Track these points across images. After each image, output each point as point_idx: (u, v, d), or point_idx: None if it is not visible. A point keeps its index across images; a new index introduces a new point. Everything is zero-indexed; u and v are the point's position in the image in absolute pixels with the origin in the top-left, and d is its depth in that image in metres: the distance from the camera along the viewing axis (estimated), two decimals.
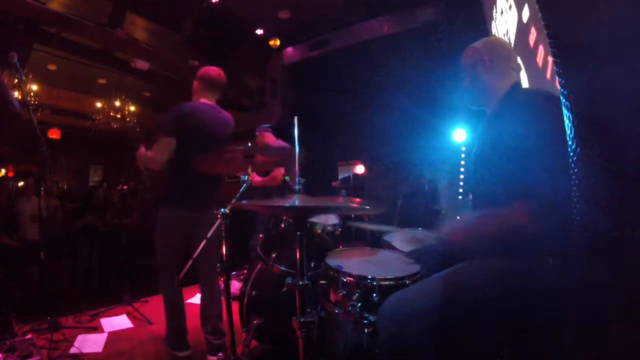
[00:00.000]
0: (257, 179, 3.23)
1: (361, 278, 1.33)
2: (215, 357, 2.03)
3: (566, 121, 0.55)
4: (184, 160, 1.92)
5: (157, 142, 2.02)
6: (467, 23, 3.58)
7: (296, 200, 1.14)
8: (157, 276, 2.14)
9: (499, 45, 1.34)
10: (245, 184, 1.64)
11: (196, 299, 3.18)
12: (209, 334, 2.11)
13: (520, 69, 1.40)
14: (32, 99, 5.48)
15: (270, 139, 3.46)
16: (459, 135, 3.90)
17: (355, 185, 4.44)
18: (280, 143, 3.36)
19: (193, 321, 2.73)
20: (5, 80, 1.67)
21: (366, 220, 2.73)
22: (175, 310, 2.16)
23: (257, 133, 3.52)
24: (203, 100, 2.18)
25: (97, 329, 2.59)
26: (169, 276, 2.07)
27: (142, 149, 2.07)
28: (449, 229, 1.22)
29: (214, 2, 4.49)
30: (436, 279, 1.16)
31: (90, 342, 2.35)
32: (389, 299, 1.19)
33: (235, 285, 3.02)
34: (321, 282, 1.50)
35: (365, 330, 1.31)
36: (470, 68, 1.31)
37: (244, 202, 1.40)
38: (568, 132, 0.55)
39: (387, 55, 4.74)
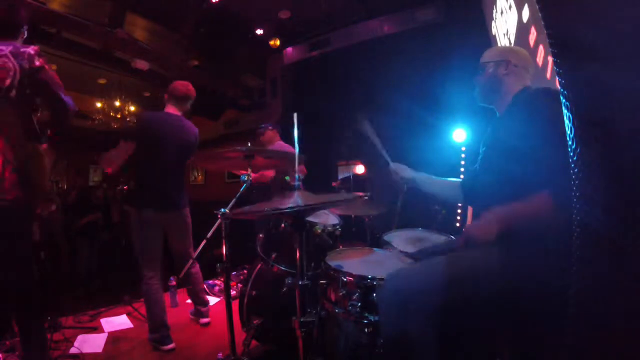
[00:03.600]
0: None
1: (361, 278, 1.33)
2: (206, 319, 2.64)
3: (566, 121, 0.55)
4: (149, 165, 2.25)
5: (118, 145, 2.29)
6: (467, 23, 3.58)
7: (297, 198, 1.14)
8: (140, 273, 2.32)
9: (523, 55, 1.38)
10: (245, 185, 1.64)
11: None
12: (199, 305, 2.64)
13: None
14: None
15: (275, 137, 3.42)
16: (459, 135, 3.90)
17: (356, 185, 4.44)
18: (285, 146, 3.33)
19: (192, 321, 2.74)
20: (47, 67, 1.66)
21: (367, 221, 2.73)
22: (159, 305, 2.33)
23: (266, 127, 3.46)
24: (168, 110, 2.42)
25: (97, 329, 2.59)
26: (153, 273, 2.31)
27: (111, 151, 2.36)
28: (476, 226, 1.18)
29: (214, 2, 4.48)
30: (441, 260, 1.17)
31: (90, 342, 2.36)
32: (393, 273, 1.20)
33: None
34: (321, 282, 1.50)
35: (365, 330, 1.31)
36: (492, 66, 1.34)
37: (244, 208, 1.40)
38: (568, 132, 0.55)
39: (387, 55, 4.74)
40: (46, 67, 1.60)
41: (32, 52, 1.57)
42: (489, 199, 1.18)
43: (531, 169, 1.04)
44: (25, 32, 1.72)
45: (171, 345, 2.27)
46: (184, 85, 2.45)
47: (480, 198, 1.35)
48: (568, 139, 0.55)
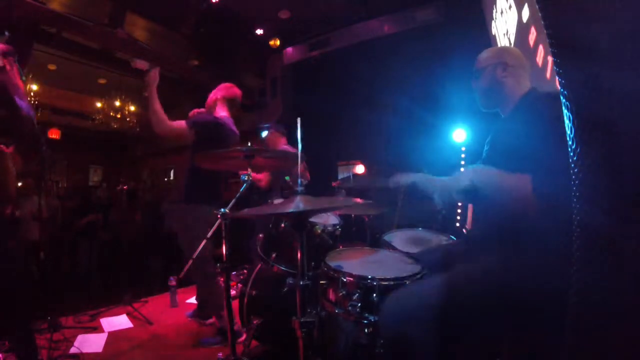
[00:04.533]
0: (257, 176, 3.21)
1: (361, 278, 1.33)
2: (212, 320, 2.54)
3: (566, 121, 0.55)
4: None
5: (175, 122, 2.25)
6: (467, 23, 3.58)
7: (299, 203, 1.14)
8: (204, 270, 2.33)
9: (517, 53, 1.37)
10: (245, 184, 1.64)
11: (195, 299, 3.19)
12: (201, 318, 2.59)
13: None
14: (32, 98, 5.50)
15: (282, 141, 3.38)
16: (459, 135, 3.90)
17: (355, 185, 4.45)
18: (288, 148, 3.30)
19: (192, 322, 2.73)
20: (8, 68, 1.59)
21: (367, 221, 2.73)
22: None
23: (271, 131, 3.42)
24: (226, 114, 2.47)
25: (97, 329, 2.59)
26: (214, 263, 2.40)
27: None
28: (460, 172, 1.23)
29: (214, 2, 4.49)
30: (437, 278, 1.17)
31: (90, 342, 2.36)
32: (391, 297, 1.20)
33: None
34: (321, 282, 1.50)
35: (365, 330, 1.31)
36: (490, 70, 1.33)
37: (245, 210, 1.40)
38: (568, 132, 0.55)
39: (387, 55, 4.74)
40: (7, 67, 1.53)
41: None
42: (488, 197, 1.19)
43: (528, 169, 1.04)
44: (7, 34, 1.66)
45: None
46: (240, 92, 2.55)
47: (480, 197, 1.35)
48: (568, 139, 0.55)
